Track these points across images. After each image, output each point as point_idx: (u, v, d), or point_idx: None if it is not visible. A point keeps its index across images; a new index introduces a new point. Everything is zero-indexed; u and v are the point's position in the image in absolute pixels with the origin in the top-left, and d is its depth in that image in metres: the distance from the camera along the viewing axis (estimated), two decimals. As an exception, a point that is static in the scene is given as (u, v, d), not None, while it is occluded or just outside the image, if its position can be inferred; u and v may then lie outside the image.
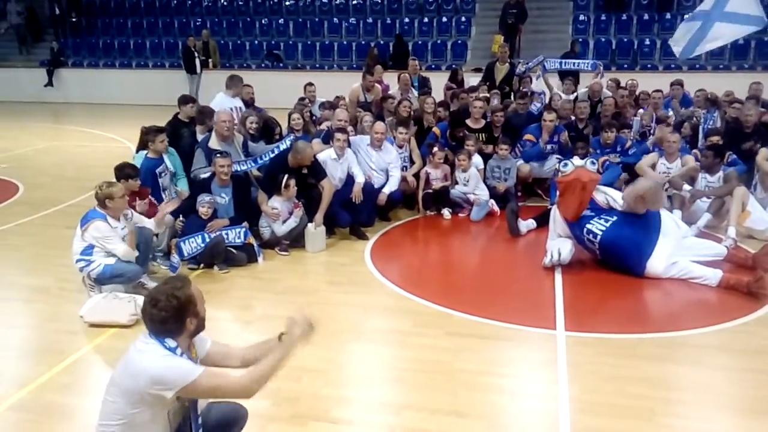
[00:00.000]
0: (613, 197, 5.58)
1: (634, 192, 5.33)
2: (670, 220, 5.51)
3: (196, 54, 16.27)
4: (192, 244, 5.54)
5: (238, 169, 6.06)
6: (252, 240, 5.84)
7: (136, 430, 2.39)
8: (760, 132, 7.50)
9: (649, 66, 14.81)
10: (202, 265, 5.69)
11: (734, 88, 9.39)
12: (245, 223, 5.86)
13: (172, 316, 2.40)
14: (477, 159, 7.31)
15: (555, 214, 5.77)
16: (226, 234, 5.66)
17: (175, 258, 5.50)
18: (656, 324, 4.73)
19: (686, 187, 6.64)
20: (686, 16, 9.38)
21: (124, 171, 5.42)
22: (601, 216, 5.48)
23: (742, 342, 4.32)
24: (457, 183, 7.23)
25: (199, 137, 6.70)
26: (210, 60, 16.81)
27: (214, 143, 6.28)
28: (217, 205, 5.82)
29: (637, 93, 9.60)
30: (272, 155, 6.28)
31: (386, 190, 6.86)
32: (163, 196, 6.03)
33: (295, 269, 5.75)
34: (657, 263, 5.25)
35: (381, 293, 5.22)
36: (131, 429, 2.38)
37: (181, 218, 5.71)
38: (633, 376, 3.88)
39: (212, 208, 5.75)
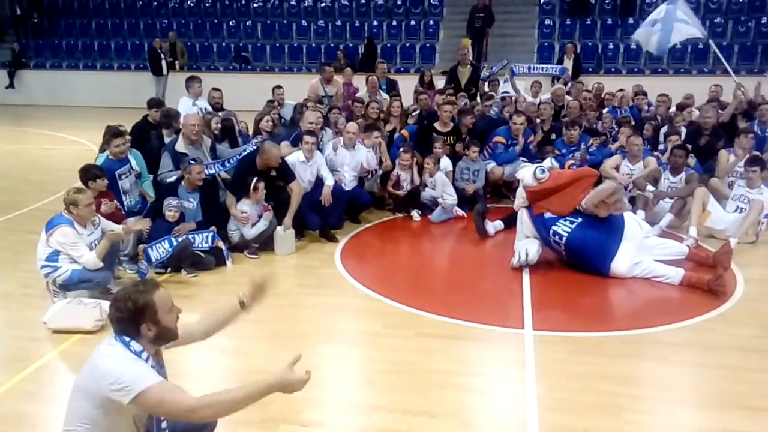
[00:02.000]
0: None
1: (596, 197, 5.42)
2: (633, 221, 5.63)
3: (162, 56, 16.05)
4: (159, 250, 5.46)
5: (207, 172, 6.01)
6: (220, 244, 5.79)
7: None
8: (717, 133, 7.72)
9: (612, 69, 15.10)
10: (169, 269, 5.62)
11: (694, 91, 9.63)
12: (213, 228, 5.81)
13: (127, 319, 2.36)
14: (445, 162, 7.36)
15: (522, 216, 5.84)
16: (193, 238, 5.60)
17: (143, 264, 5.43)
18: (622, 322, 4.83)
19: (649, 188, 6.79)
20: (642, 23, 9.81)
21: (90, 172, 5.32)
22: (566, 218, 5.57)
23: (704, 338, 4.43)
24: (426, 186, 7.28)
25: (167, 140, 6.62)
26: (177, 62, 16.60)
27: (181, 146, 6.22)
28: (184, 209, 5.76)
29: (602, 95, 9.79)
30: (239, 157, 6.24)
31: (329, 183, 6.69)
32: (123, 199, 5.92)
33: (264, 272, 5.72)
34: (621, 264, 5.36)
35: (351, 295, 5.22)
36: None
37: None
38: (599, 374, 3.96)
39: (179, 212, 5.68)
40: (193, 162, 5.84)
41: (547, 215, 5.63)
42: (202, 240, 5.66)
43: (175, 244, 5.47)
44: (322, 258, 6.05)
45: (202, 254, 5.66)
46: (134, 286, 2.46)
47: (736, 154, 7.06)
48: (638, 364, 4.13)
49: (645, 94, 9.51)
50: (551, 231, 5.57)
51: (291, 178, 6.29)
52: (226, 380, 3.90)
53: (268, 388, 2.32)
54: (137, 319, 2.37)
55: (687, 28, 8.99)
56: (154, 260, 5.45)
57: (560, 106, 9.22)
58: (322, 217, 6.51)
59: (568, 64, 13.30)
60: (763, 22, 14.92)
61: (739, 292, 5.20)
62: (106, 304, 4.06)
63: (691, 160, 6.94)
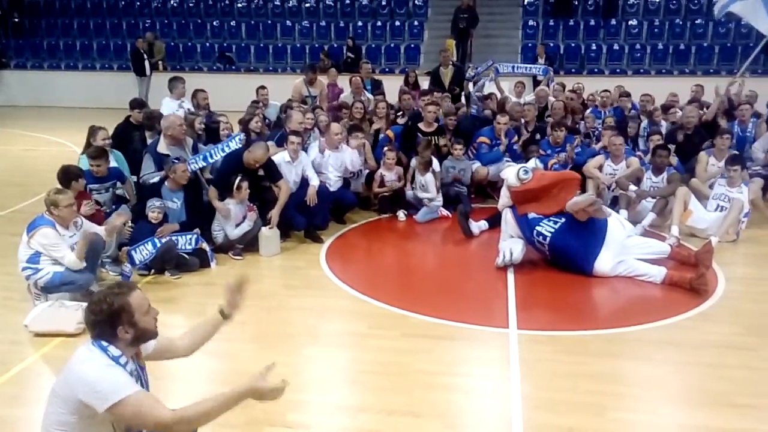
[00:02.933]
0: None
1: (575, 206, 5.45)
2: (616, 221, 5.67)
3: (145, 56, 15.91)
4: (143, 252, 5.42)
5: (191, 168, 5.96)
6: (204, 245, 5.75)
7: None
8: (700, 133, 7.80)
9: (595, 70, 15.21)
10: (152, 271, 5.57)
11: (677, 91, 9.72)
12: (197, 230, 5.77)
13: (103, 322, 2.33)
14: (433, 163, 7.37)
15: (506, 216, 5.87)
16: (177, 240, 5.56)
17: (126, 267, 5.38)
18: (606, 321, 4.87)
19: (632, 187, 6.85)
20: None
21: (69, 172, 5.27)
22: (550, 218, 5.60)
23: (686, 336, 4.48)
24: (413, 186, 7.29)
25: (149, 142, 6.57)
26: (160, 62, 16.47)
27: (162, 147, 6.17)
28: (168, 210, 5.72)
29: (584, 97, 9.86)
30: (222, 153, 6.19)
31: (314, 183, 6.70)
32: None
33: (249, 273, 5.61)
34: (604, 264, 5.41)
35: (337, 296, 5.22)
36: None
37: (129, 224, 5.59)
38: (584, 372, 3.98)
39: (162, 212, 5.64)
40: (176, 161, 5.80)
41: (531, 215, 5.66)
42: (186, 242, 5.62)
43: (158, 245, 5.43)
44: (308, 259, 6.04)
45: (186, 256, 5.63)
46: (109, 288, 2.44)
47: (716, 156, 7.13)
48: (622, 363, 4.16)
49: (628, 95, 9.59)
50: (535, 231, 5.60)
51: (278, 177, 6.26)
52: (212, 382, 3.88)
53: (239, 396, 2.35)
54: (114, 322, 2.34)
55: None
56: (137, 262, 5.41)
57: (543, 107, 9.27)
58: (307, 217, 6.49)
59: (540, 63, 13.43)
60: (743, 23, 15.11)
61: (721, 291, 5.26)
62: (88, 307, 4.02)
63: (674, 159, 7.01)
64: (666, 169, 6.81)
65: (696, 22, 15.45)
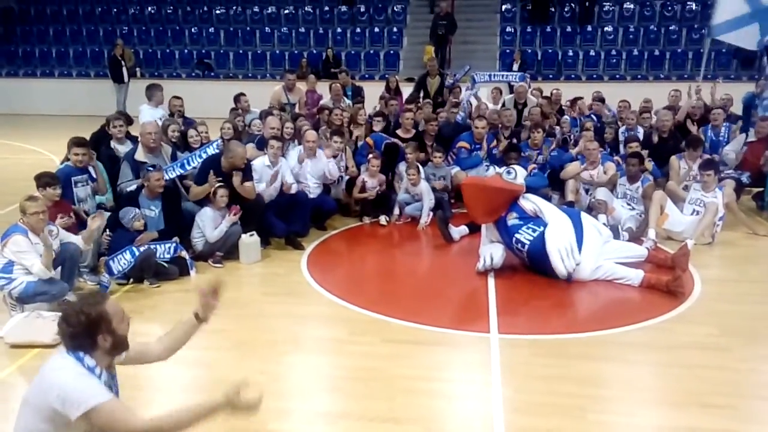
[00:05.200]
0: (541, 207, 5.74)
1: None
2: (592, 228, 5.72)
3: (123, 63, 15.77)
4: (121, 262, 5.36)
5: (168, 176, 5.91)
6: (183, 253, 5.71)
7: None
8: (675, 137, 7.93)
9: (572, 76, 15.39)
10: (131, 280, 5.51)
11: (652, 96, 9.85)
12: (176, 238, 5.72)
13: (82, 333, 2.33)
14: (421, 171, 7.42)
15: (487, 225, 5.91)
16: (156, 248, 5.51)
17: (105, 276, 5.32)
18: (584, 324, 4.92)
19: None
20: (715, 21, 9.06)
21: (41, 179, 5.19)
22: (529, 225, 5.64)
23: (663, 338, 4.54)
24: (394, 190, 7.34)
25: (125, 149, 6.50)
26: (138, 69, 16.34)
27: (140, 155, 6.12)
28: (146, 217, 5.67)
29: (561, 102, 9.96)
30: (200, 160, 6.15)
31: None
32: (79, 207, 5.73)
33: (229, 281, 5.51)
34: (582, 270, 5.45)
35: (317, 302, 5.21)
36: None
37: (108, 233, 5.53)
38: (564, 376, 4.02)
39: (141, 221, 5.59)
40: (151, 169, 5.75)
41: (510, 222, 5.70)
42: (165, 250, 5.58)
43: (137, 254, 5.38)
44: (288, 266, 6.02)
45: (165, 264, 5.58)
46: (82, 300, 2.44)
47: (687, 163, 7.23)
48: (601, 365, 4.20)
49: (603, 100, 9.71)
50: (514, 238, 5.64)
51: (250, 180, 6.20)
52: (191, 391, 3.85)
53: (213, 408, 2.38)
54: (92, 332, 2.34)
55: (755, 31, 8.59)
56: (115, 272, 5.35)
57: (522, 104, 9.33)
58: (287, 224, 6.48)
59: (515, 69, 13.57)
60: (695, 27, 15.43)
61: (697, 293, 5.34)
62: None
63: (649, 164, 7.09)
64: (642, 179, 6.86)
65: (670, 28, 15.71)
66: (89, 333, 2.33)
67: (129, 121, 7.03)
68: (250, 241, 6.04)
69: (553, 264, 5.39)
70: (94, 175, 5.96)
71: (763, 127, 7.70)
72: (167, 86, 8.54)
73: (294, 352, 4.38)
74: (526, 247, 5.57)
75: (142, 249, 5.41)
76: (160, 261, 5.53)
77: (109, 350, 2.40)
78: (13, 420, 2.41)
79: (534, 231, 5.58)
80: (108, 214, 5.70)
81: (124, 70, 15.65)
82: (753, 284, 5.58)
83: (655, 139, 7.92)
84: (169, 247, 5.60)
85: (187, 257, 5.73)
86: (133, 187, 5.87)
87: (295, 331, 4.70)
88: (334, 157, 7.22)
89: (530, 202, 5.78)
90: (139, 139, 6.23)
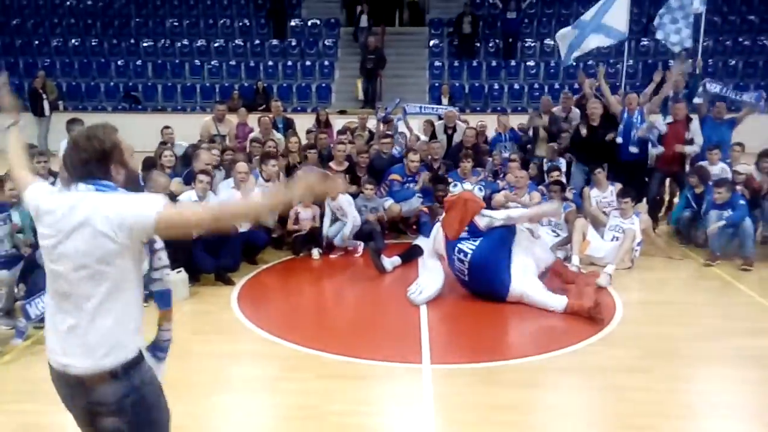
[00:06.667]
0: (496, 217, 5.84)
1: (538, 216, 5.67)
2: (525, 239, 5.90)
3: (44, 96, 15.22)
4: (39, 305, 5.03)
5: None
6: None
7: (124, 297, 2.15)
8: (604, 125, 8.08)
9: (498, 108, 15.88)
10: (50, 323, 5.24)
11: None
12: None
13: (95, 158, 2.14)
14: (348, 198, 7.42)
15: (437, 232, 5.99)
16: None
17: (21, 321, 5.04)
18: (514, 350, 5.02)
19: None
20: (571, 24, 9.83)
21: None
22: (469, 237, 5.75)
23: (589, 362, 4.67)
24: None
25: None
26: (60, 102, 15.81)
27: (61, 191, 5.88)
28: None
29: (485, 133, 10.20)
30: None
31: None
32: None
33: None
34: (515, 278, 5.61)
35: (248, 340, 5.10)
36: (119, 295, 2.14)
37: (21, 286, 5.24)
38: (496, 404, 4.07)
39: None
40: None
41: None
42: None
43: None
44: (218, 302, 5.88)
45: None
46: (91, 128, 2.23)
47: (597, 188, 7.54)
48: (531, 392, 4.27)
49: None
50: (457, 248, 5.73)
51: None
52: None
53: (282, 200, 2.28)
54: (107, 159, 2.16)
55: (598, 39, 9.17)
56: (33, 316, 5.05)
57: (453, 129, 9.51)
58: (216, 259, 6.34)
59: (444, 102, 13.91)
60: (610, 62, 16.30)
61: (619, 316, 5.53)
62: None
63: (569, 194, 7.38)
64: (564, 206, 7.15)
65: (588, 63, 16.52)
66: (104, 160, 2.15)
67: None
68: (177, 278, 5.86)
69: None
70: (15, 219, 5.66)
71: (679, 108, 8.04)
72: (92, 119, 8.18)
73: (223, 392, 4.25)
74: (468, 256, 5.66)
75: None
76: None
77: (122, 185, 2.21)
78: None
79: (475, 240, 5.69)
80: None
81: (46, 103, 15.10)
82: (671, 306, 5.84)
83: (584, 132, 8.14)
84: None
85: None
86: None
87: (225, 370, 4.57)
88: (268, 181, 7.13)
89: (486, 218, 5.82)
90: (59, 175, 5.99)
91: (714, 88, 8.94)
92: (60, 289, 2.15)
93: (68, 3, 18.74)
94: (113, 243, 2.05)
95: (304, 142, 8.99)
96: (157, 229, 2.09)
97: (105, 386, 2.14)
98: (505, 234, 5.80)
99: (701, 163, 7.85)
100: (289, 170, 7.97)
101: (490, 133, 10.30)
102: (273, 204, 2.29)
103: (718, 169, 7.71)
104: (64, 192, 2.17)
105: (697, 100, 8.78)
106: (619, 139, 7.94)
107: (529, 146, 9.58)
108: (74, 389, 2.18)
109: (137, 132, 12.32)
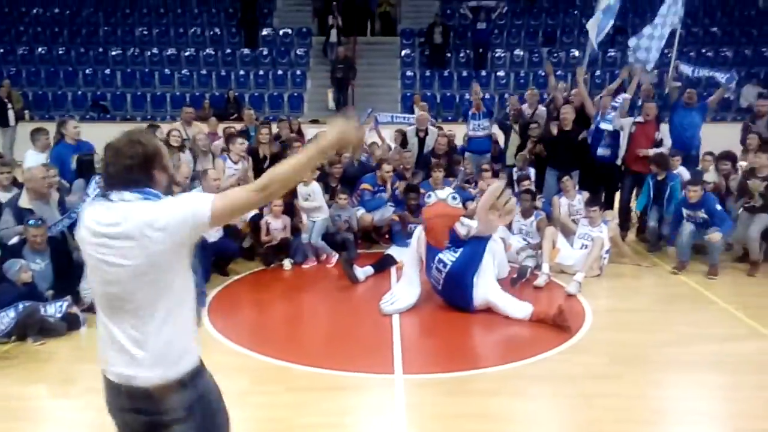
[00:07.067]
0: (473, 225, 5.83)
1: (488, 199, 5.53)
2: (489, 254, 5.93)
3: (9, 105, 14.91)
4: (3, 320, 4.95)
5: (54, 231, 5.59)
6: (74, 309, 5.36)
7: (183, 302, 2.11)
8: (575, 129, 8.15)
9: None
10: (13, 338, 5.11)
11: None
12: (68, 297, 5.36)
13: (139, 165, 2.07)
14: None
15: (420, 236, 5.98)
16: (44, 308, 5.15)
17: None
18: (485, 359, 5.05)
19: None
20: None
21: None
22: (458, 249, 5.74)
23: (559, 369, 4.71)
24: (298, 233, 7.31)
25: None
26: (26, 112, 15.50)
27: (24, 202, 5.76)
28: (32, 271, 5.31)
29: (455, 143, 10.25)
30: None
31: None
32: None
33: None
34: (480, 288, 5.65)
35: (217, 352, 5.00)
36: (179, 301, 2.10)
37: None
38: (468, 413, 4.08)
39: (28, 272, 5.23)
40: (32, 223, 5.41)
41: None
42: (55, 311, 5.21)
43: (20, 309, 5.00)
44: (188, 315, 5.79)
45: (51, 319, 5.21)
46: (132, 132, 2.18)
47: (566, 196, 7.63)
48: (503, 400, 4.28)
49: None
50: (437, 258, 5.74)
51: None
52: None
53: (320, 151, 2.12)
54: (150, 164, 2.10)
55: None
56: (-3, 331, 4.95)
57: (425, 132, 9.54)
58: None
59: (417, 112, 13.94)
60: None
61: (588, 323, 5.60)
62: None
63: (539, 203, 7.48)
64: (534, 214, 7.25)
65: (557, 73, 16.77)
66: (147, 165, 2.09)
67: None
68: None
69: None
70: None
71: (650, 108, 8.14)
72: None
73: (193, 406, 4.19)
74: (447, 267, 5.67)
75: (26, 305, 5.04)
76: (45, 316, 5.18)
77: (165, 190, 2.15)
78: None
79: (455, 252, 5.70)
80: None
81: (10, 112, 14.79)
82: (639, 313, 5.93)
83: (555, 131, 8.22)
84: (60, 306, 5.24)
85: (77, 311, 5.39)
86: (15, 240, 5.50)
87: (195, 383, 4.50)
88: (237, 163, 7.04)
89: (465, 227, 5.84)
90: (25, 186, 5.87)
91: (686, 69, 8.99)
92: (115, 301, 2.08)
93: (35, 11, 18.44)
94: (170, 251, 2.01)
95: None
96: (212, 223, 2.05)
97: (174, 395, 2.09)
98: (483, 245, 5.78)
99: (661, 149, 7.96)
100: (259, 163, 7.86)
101: (458, 142, 10.36)
102: (315, 154, 2.11)
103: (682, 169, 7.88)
104: (108, 203, 2.08)
105: (673, 84, 8.76)
106: (590, 139, 8.04)
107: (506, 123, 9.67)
108: (139, 401, 2.11)
109: (105, 141, 12.23)
